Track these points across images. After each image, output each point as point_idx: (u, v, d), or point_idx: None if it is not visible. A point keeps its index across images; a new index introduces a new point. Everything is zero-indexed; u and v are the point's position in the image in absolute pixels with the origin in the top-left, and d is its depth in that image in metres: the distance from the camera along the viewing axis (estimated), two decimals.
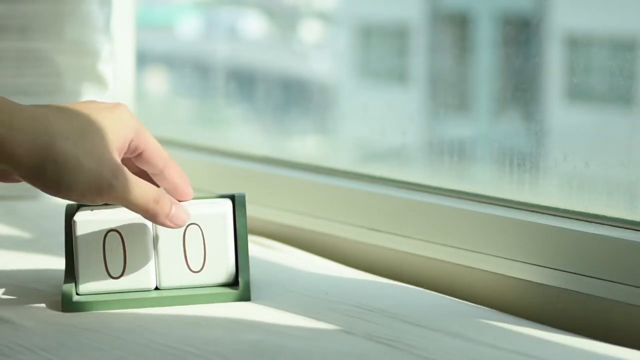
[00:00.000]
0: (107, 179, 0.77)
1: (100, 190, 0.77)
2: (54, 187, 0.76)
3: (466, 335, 0.75)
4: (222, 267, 0.83)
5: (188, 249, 0.83)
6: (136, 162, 0.83)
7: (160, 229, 0.83)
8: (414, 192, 1.02)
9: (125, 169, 0.79)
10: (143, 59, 1.55)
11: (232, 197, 0.86)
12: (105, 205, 0.85)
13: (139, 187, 0.79)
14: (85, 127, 0.78)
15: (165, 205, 0.80)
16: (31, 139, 0.75)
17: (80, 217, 0.82)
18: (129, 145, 0.81)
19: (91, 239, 0.82)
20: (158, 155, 0.83)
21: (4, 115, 0.75)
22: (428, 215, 0.98)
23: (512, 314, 0.86)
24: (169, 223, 0.81)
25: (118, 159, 0.79)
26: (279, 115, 1.48)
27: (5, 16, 1.21)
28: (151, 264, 0.83)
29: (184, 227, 0.82)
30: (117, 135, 0.79)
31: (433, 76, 1.34)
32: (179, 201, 0.83)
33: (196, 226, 0.83)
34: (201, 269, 0.83)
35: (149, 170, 0.84)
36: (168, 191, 0.85)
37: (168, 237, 0.83)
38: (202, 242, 0.83)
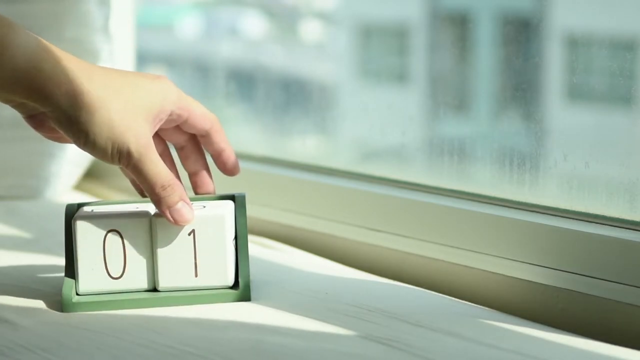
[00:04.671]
0: (127, 144, 0.78)
1: (120, 152, 0.78)
2: (81, 137, 0.78)
3: (466, 335, 0.75)
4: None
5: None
6: (183, 127, 0.85)
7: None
8: (414, 192, 1.02)
9: (150, 142, 0.80)
10: (143, 59, 1.55)
11: (232, 197, 0.86)
12: (106, 205, 0.85)
13: (155, 166, 0.80)
14: (125, 87, 0.80)
15: (173, 195, 0.80)
16: (70, 81, 0.77)
17: (80, 217, 0.82)
18: (170, 116, 0.83)
19: (91, 239, 0.81)
20: (202, 120, 0.85)
21: (49, 54, 0.77)
22: (428, 215, 0.98)
23: (512, 314, 0.86)
24: (168, 215, 0.81)
25: (148, 128, 0.80)
26: (279, 115, 1.48)
27: None
28: (150, 265, 0.82)
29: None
30: (155, 105, 0.81)
31: (433, 76, 1.34)
32: (224, 170, 0.87)
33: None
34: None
35: (198, 134, 0.86)
36: (214, 157, 0.87)
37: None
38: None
